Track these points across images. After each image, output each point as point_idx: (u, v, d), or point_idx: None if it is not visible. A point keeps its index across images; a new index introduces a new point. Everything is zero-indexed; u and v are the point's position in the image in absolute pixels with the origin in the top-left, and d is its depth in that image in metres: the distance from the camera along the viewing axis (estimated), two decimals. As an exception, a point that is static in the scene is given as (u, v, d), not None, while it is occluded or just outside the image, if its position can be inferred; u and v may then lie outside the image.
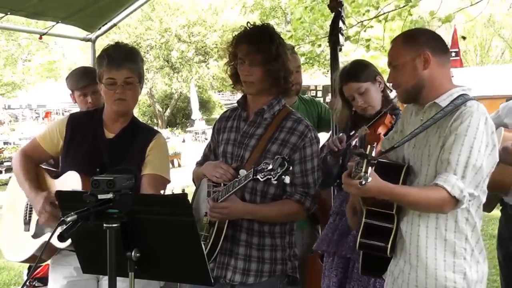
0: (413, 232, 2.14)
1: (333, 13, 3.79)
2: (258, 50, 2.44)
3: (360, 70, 2.90)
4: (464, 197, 1.98)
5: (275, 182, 2.20)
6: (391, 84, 2.32)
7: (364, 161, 1.83)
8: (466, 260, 2.10)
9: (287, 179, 2.18)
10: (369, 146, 1.85)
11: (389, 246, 2.14)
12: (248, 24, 2.57)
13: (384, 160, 2.23)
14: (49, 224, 2.54)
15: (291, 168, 2.18)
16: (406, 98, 2.25)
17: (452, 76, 2.38)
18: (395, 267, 2.23)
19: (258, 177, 2.21)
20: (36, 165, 2.76)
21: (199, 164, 2.75)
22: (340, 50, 3.77)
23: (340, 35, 3.72)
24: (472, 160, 1.99)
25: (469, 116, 2.02)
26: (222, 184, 2.47)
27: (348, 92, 2.90)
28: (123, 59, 2.57)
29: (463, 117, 2.03)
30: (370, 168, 1.82)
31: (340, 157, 3.04)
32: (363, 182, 1.81)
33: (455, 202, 1.99)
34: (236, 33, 2.57)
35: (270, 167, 2.18)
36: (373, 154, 1.84)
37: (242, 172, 2.34)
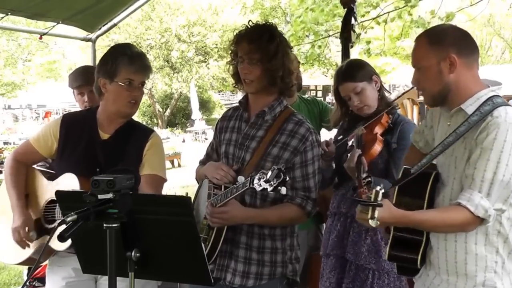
0: (440, 246, 2.07)
1: (345, 9, 3.78)
2: (257, 49, 2.44)
3: (356, 70, 2.90)
4: (490, 216, 1.89)
5: (271, 192, 2.20)
6: (415, 87, 2.20)
7: (369, 207, 1.78)
8: (497, 273, 2.01)
9: (283, 190, 2.16)
10: (374, 190, 1.79)
11: (419, 258, 2.07)
12: (250, 22, 2.57)
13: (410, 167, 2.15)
14: (19, 245, 2.59)
15: (287, 179, 2.17)
16: (432, 102, 2.14)
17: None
18: (427, 278, 2.16)
19: (254, 186, 2.20)
20: (28, 167, 2.75)
21: (202, 163, 2.76)
22: (352, 47, 3.76)
23: (352, 31, 3.71)
24: (499, 176, 1.89)
25: (495, 128, 1.90)
26: (222, 186, 2.46)
27: (344, 92, 2.90)
28: (145, 63, 2.61)
29: (489, 129, 1.91)
30: (376, 212, 1.78)
31: (332, 161, 3.04)
32: (373, 225, 1.78)
33: (480, 221, 1.91)
34: (237, 32, 2.58)
35: (267, 177, 2.17)
36: (380, 196, 1.77)
37: (241, 178, 2.34)
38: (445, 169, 2.10)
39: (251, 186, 2.22)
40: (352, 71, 2.89)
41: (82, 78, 3.43)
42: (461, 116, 2.04)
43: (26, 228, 2.56)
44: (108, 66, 2.56)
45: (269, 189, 2.16)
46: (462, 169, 2.00)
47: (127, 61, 2.54)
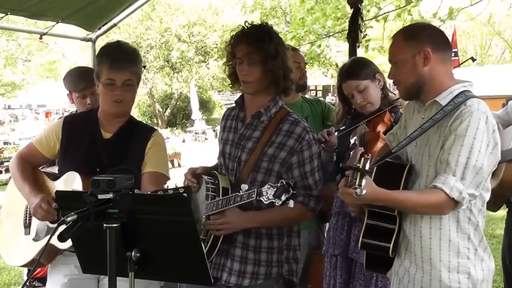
0: (416, 233, 2.13)
1: (352, 9, 3.77)
2: (257, 50, 2.43)
3: (360, 68, 2.90)
4: (464, 198, 1.97)
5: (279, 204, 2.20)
6: (392, 81, 2.28)
7: (357, 174, 1.83)
8: (469, 259, 2.09)
9: (291, 204, 2.15)
10: (362, 158, 1.83)
11: (391, 246, 2.13)
12: (246, 23, 2.56)
13: (386, 159, 2.20)
14: (46, 219, 2.53)
15: (295, 192, 2.16)
16: (406, 95, 2.23)
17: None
18: (400, 267, 2.22)
19: (262, 199, 2.19)
20: (33, 168, 2.75)
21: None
22: (358, 46, 3.76)
23: (359, 31, 3.71)
24: (472, 160, 1.97)
25: (469, 116, 1.99)
26: (221, 188, 2.44)
27: (347, 90, 2.90)
28: (125, 61, 2.56)
29: (463, 117, 2.00)
30: (364, 180, 1.82)
31: (334, 154, 3.04)
32: (358, 193, 1.82)
33: (454, 203, 1.98)
34: (234, 32, 2.56)
35: (276, 193, 2.15)
36: (367, 165, 1.82)
37: (244, 187, 2.30)
38: (419, 159, 2.16)
39: (258, 198, 2.20)
40: (356, 69, 2.90)
41: (86, 81, 3.43)
42: (434, 108, 2.13)
43: (47, 201, 2.50)
44: (96, 67, 2.63)
45: (278, 203, 2.15)
46: (437, 156, 2.07)
47: (106, 61, 2.55)
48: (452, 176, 1.97)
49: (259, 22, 2.63)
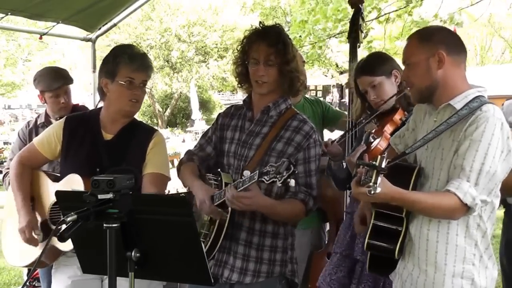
0: (422, 236, 2.11)
1: (353, 10, 3.79)
2: (278, 52, 2.43)
3: (376, 64, 2.83)
4: (476, 204, 1.95)
5: (280, 185, 2.16)
6: (404, 82, 2.25)
7: (373, 171, 1.79)
8: (474, 265, 2.07)
9: (292, 182, 2.14)
10: (379, 156, 1.80)
11: (397, 248, 2.11)
12: (261, 24, 2.56)
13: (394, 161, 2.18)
14: (28, 243, 2.63)
15: (296, 171, 2.14)
16: (419, 98, 2.20)
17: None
18: (404, 270, 2.20)
19: (263, 179, 2.17)
20: (33, 171, 2.76)
21: (192, 154, 2.70)
22: (359, 47, 3.78)
23: (359, 31, 3.73)
24: (486, 167, 1.95)
25: (484, 122, 1.97)
26: (223, 184, 2.44)
27: (362, 85, 2.86)
28: (146, 62, 2.61)
29: (479, 122, 1.98)
30: (379, 178, 1.79)
31: (342, 160, 3.02)
32: (372, 192, 1.78)
33: (467, 209, 1.96)
34: (251, 31, 2.55)
35: (276, 170, 2.14)
36: (383, 163, 1.79)
37: (246, 173, 2.30)
38: (431, 162, 2.14)
39: (259, 179, 2.18)
40: (371, 65, 2.83)
41: (59, 80, 3.43)
42: (448, 112, 2.10)
43: (32, 228, 2.59)
44: (109, 66, 2.59)
45: (279, 180, 2.12)
46: (450, 160, 2.04)
47: (127, 60, 2.56)
48: (466, 182, 1.94)
49: (274, 24, 2.61)
